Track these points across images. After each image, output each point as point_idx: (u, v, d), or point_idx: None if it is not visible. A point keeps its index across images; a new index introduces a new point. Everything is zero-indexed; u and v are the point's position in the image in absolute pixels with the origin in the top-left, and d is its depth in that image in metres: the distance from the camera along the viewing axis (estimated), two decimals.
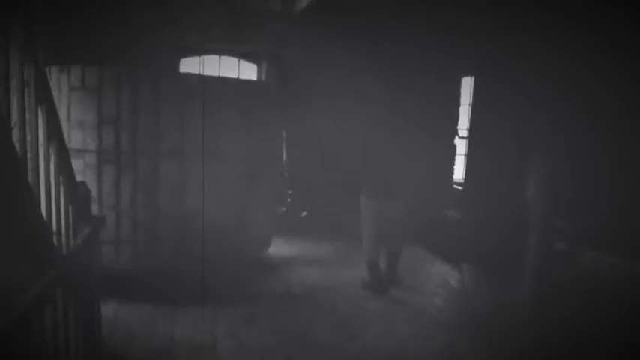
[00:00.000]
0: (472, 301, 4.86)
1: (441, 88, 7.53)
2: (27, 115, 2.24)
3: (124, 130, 4.43)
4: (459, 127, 7.73)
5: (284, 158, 5.87)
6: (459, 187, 7.43)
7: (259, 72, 7.12)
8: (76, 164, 4.40)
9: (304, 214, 6.83)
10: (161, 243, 4.52)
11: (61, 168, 2.72)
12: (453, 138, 7.75)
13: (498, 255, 5.22)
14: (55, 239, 2.60)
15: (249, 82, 6.33)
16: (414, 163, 5.44)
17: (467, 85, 7.65)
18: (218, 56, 6.88)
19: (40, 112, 2.50)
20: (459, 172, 7.75)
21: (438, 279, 5.55)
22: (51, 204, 2.60)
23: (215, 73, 6.69)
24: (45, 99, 2.50)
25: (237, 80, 6.21)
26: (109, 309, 3.92)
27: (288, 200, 6.94)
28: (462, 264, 5.60)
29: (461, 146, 7.70)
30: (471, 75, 7.28)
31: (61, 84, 4.41)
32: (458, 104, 7.71)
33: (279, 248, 6.27)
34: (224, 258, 4.67)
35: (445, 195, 7.50)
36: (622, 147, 4.36)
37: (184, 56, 6.87)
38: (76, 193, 2.99)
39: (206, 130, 4.46)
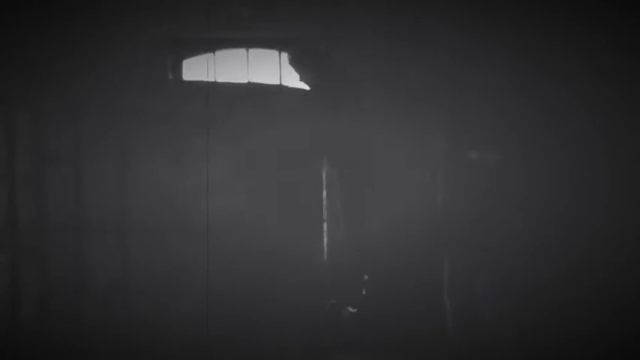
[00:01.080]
0: None
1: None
2: None
3: None
4: None
5: (324, 202, 3.40)
6: None
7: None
8: None
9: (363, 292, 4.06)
10: None
11: None
12: None
13: None
14: None
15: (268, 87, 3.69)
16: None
17: None
18: (245, 49, 4.15)
19: None
20: None
21: None
22: None
23: (241, 77, 3.98)
24: None
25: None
26: None
27: (364, 292, 4.00)
28: None
29: None
30: None
31: None
32: None
33: None
34: None
35: None
36: None
37: (187, 56, 4.17)
38: None
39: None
